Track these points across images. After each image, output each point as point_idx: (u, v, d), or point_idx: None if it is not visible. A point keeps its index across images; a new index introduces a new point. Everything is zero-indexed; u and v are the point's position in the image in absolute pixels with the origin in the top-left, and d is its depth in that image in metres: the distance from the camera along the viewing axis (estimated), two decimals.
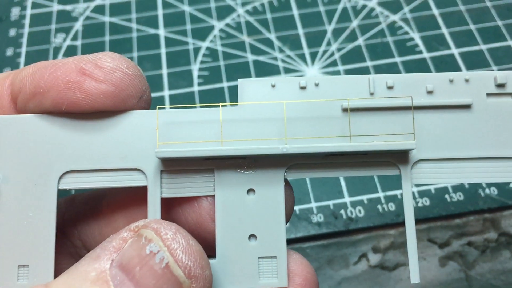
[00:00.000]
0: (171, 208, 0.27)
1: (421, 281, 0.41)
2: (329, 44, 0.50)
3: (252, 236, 0.26)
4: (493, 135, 0.28)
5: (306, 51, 0.50)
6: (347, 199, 0.40)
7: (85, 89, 0.25)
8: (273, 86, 0.28)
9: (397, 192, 0.40)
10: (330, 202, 0.40)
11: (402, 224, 0.40)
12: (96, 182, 0.26)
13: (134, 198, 0.28)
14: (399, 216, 0.39)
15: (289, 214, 0.28)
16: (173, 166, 0.26)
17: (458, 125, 0.28)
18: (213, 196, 0.26)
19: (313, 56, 0.49)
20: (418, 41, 0.50)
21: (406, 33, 0.51)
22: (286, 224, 0.28)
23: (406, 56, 0.49)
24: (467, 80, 0.28)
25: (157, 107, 0.26)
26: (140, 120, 0.27)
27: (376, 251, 0.40)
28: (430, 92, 0.28)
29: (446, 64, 0.48)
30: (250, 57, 0.49)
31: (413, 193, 0.40)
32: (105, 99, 0.25)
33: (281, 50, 0.50)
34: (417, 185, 0.41)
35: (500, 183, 0.40)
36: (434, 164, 0.28)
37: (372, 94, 0.28)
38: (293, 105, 0.28)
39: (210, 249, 0.26)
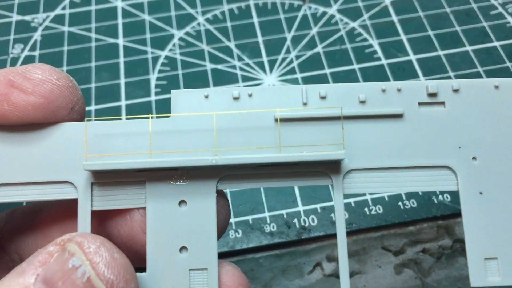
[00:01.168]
0: (104, 221, 0.27)
1: None
2: (288, 51, 0.50)
3: (183, 248, 0.26)
4: (425, 144, 0.28)
5: (265, 59, 0.50)
6: (300, 208, 0.40)
7: (13, 101, 0.25)
8: (206, 97, 0.28)
9: (351, 200, 0.40)
10: (284, 211, 0.40)
11: (355, 232, 0.39)
12: (27, 195, 0.26)
13: (69, 211, 0.28)
14: (352, 224, 0.39)
15: (224, 225, 0.27)
16: (104, 178, 0.26)
17: (390, 135, 0.28)
18: (145, 208, 0.26)
19: (272, 64, 0.49)
20: (377, 47, 0.50)
21: (365, 40, 0.51)
22: (221, 235, 0.27)
23: (365, 63, 0.49)
24: (399, 90, 0.28)
25: (85, 119, 0.26)
26: (70, 132, 0.26)
27: (330, 260, 0.40)
28: (362, 102, 0.28)
29: (403, 71, 0.48)
30: (209, 66, 0.49)
31: (367, 201, 0.40)
32: (34, 111, 0.25)
33: (240, 58, 0.50)
34: (371, 193, 0.41)
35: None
36: (366, 174, 0.27)
37: (305, 104, 0.28)
38: (226, 116, 0.28)
39: (143, 262, 0.25)
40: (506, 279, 0.26)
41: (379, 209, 0.40)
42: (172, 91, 0.27)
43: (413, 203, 0.40)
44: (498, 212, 0.27)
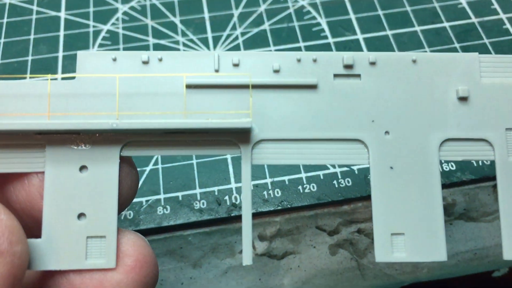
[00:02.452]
0: (2, 186, 0.26)
1: (311, 270, 0.40)
2: (234, 28, 0.49)
3: (81, 214, 0.25)
4: (338, 116, 0.27)
5: (209, 35, 0.48)
6: (233, 185, 0.39)
7: None
8: (114, 60, 0.27)
9: (285, 178, 0.39)
10: (216, 188, 0.39)
11: (288, 210, 0.38)
12: None
13: None
14: (284, 202, 0.38)
15: (129, 195, 0.26)
16: (1, 139, 0.25)
17: (304, 106, 0.27)
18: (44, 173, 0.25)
19: (217, 40, 0.48)
20: (325, 26, 0.49)
21: (314, 18, 0.50)
22: (125, 205, 0.26)
23: (311, 41, 0.48)
24: (315, 60, 0.27)
25: None
26: None
27: (262, 239, 0.39)
28: (276, 71, 0.27)
29: (349, 49, 0.47)
30: (152, 41, 0.48)
31: (302, 179, 0.39)
32: None
33: (184, 34, 0.49)
34: (305, 171, 0.40)
35: None
36: (277, 145, 0.27)
37: (216, 71, 0.27)
38: (133, 80, 0.27)
39: None
40: (411, 255, 0.26)
41: (313, 187, 0.39)
42: (78, 52, 0.26)
43: (348, 181, 0.39)
44: (407, 188, 0.26)
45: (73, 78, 0.26)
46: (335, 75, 0.27)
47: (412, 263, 0.42)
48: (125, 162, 0.26)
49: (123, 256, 0.25)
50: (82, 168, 0.25)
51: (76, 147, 0.25)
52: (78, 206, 0.25)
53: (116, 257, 0.24)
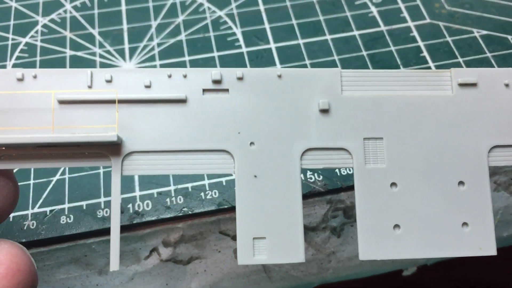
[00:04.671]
0: None
1: (218, 274, 0.42)
2: (151, 39, 0.50)
3: None
4: (207, 129, 0.29)
5: (126, 46, 0.50)
6: (137, 193, 0.40)
7: None
8: None
9: (189, 185, 0.41)
10: (120, 196, 0.40)
11: (190, 216, 0.40)
12: None
13: None
14: (185, 208, 0.40)
15: (6, 206, 0.28)
16: None
17: (174, 119, 0.29)
18: None
19: (133, 51, 0.49)
20: (239, 36, 0.51)
21: (229, 28, 0.51)
22: (3, 217, 0.28)
23: (225, 51, 0.49)
24: (185, 76, 0.29)
25: None
26: None
27: (166, 245, 0.40)
28: (147, 87, 0.29)
29: (262, 58, 0.49)
30: (69, 53, 0.49)
31: (205, 185, 0.41)
32: None
33: (101, 45, 0.50)
34: (209, 178, 0.41)
35: None
36: (147, 156, 0.28)
37: (89, 87, 0.28)
38: (8, 97, 0.28)
39: None
40: (271, 257, 0.27)
41: (215, 193, 0.40)
42: None
43: None
44: (270, 195, 0.28)
45: None
46: (205, 90, 0.29)
47: (317, 264, 0.44)
48: (1, 175, 0.27)
49: None
50: None
51: None
52: None
53: None
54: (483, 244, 0.28)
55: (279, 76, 0.29)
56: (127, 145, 0.28)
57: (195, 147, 0.28)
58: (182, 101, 0.29)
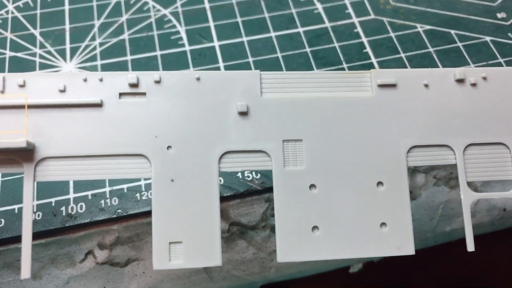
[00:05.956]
0: None
1: (157, 275, 0.42)
2: (93, 38, 0.50)
3: None
4: (124, 133, 0.28)
5: (68, 46, 0.49)
6: (71, 195, 0.40)
7: None
8: None
9: (124, 186, 0.40)
10: (53, 199, 0.40)
11: (125, 218, 0.40)
12: None
13: None
14: (119, 210, 0.39)
15: None
16: None
17: (89, 124, 0.28)
18: None
19: (74, 51, 0.49)
20: (183, 34, 0.50)
21: (174, 26, 0.51)
22: None
23: (168, 49, 0.49)
24: (101, 80, 0.28)
25: None
26: None
27: (102, 248, 0.40)
28: (62, 91, 0.28)
29: (205, 57, 0.48)
30: (9, 54, 0.48)
31: (140, 186, 0.40)
32: None
33: (42, 46, 0.49)
34: (145, 178, 0.41)
35: (227, 172, 0.41)
36: (62, 162, 0.28)
37: (2, 92, 0.28)
38: None
39: None
40: (188, 261, 0.27)
41: (151, 194, 0.40)
42: None
43: None
44: (187, 199, 0.28)
45: None
46: (121, 94, 0.29)
47: (259, 263, 0.44)
48: None
49: None
50: None
51: None
52: None
53: None
54: (401, 243, 0.29)
55: (198, 79, 0.29)
56: (40, 150, 0.28)
57: (111, 151, 0.28)
58: (98, 105, 0.28)
